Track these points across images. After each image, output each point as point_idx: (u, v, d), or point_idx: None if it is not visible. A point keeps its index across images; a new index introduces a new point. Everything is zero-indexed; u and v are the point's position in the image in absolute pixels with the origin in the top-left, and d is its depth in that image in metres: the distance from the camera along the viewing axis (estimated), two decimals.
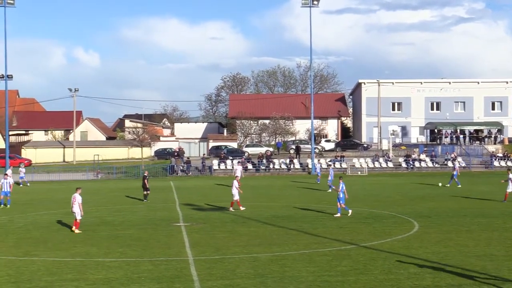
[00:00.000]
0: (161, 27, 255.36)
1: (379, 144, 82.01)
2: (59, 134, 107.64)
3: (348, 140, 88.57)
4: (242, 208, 33.35)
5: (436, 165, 66.79)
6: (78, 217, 26.56)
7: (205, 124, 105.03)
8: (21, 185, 54.56)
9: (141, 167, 67.80)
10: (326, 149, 79.30)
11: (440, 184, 48.14)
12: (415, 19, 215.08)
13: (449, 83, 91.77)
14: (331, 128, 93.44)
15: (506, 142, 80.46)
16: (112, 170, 68.39)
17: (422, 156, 68.92)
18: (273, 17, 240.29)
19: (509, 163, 67.50)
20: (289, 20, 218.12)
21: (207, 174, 64.92)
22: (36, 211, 34.74)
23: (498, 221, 27.97)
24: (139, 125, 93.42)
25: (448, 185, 47.39)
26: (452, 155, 68.94)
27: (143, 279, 17.67)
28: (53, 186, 54.50)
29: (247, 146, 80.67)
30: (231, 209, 33.27)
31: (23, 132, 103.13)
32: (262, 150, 74.43)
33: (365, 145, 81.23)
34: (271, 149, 76.51)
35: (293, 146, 75.59)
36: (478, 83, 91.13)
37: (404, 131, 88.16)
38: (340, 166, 67.05)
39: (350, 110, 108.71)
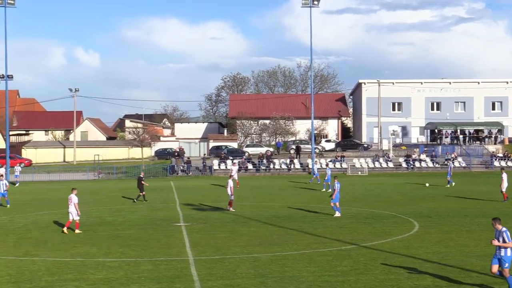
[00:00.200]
0: (161, 27, 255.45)
1: (379, 144, 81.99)
2: (59, 134, 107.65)
3: (349, 140, 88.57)
4: (231, 210, 33.22)
5: (437, 165, 66.79)
6: (76, 218, 26.42)
7: (205, 124, 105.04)
8: (17, 185, 54.83)
9: (141, 167, 67.83)
10: (327, 149, 79.30)
11: (427, 185, 48.25)
12: (415, 19, 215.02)
13: (449, 83, 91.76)
14: (331, 128, 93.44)
15: (506, 142, 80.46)
16: (113, 170, 68.39)
17: (422, 156, 68.93)
18: (273, 17, 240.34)
19: (509, 163, 67.56)
20: (289, 20, 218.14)
21: (208, 174, 64.92)
22: (36, 211, 34.75)
23: None
24: (140, 125, 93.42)
25: (453, 184, 47.33)
26: (453, 155, 69.00)
27: (143, 279, 17.68)
28: (53, 186, 54.51)
29: (247, 146, 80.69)
30: (231, 209, 33.25)
31: (24, 132, 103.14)
32: (262, 150, 74.46)
33: (366, 145, 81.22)
34: (271, 149, 76.53)
35: (293, 146, 75.60)
36: (478, 83, 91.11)
37: (404, 131, 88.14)
38: (341, 166, 67.09)
39: (350, 110, 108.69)
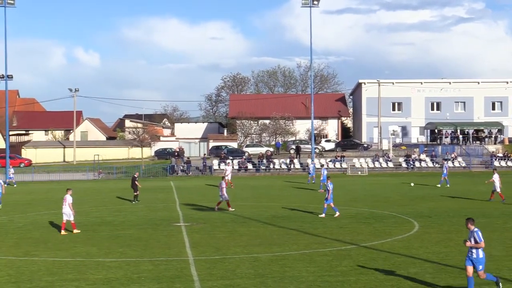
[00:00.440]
0: (161, 27, 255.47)
1: (379, 144, 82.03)
2: (59, 134, 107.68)
3: (348, 140, 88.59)
4: (216, 209, 33.18)
5: (436, 165, 66.76)
6: (71, 218, 26.25)
7: (205, 124, 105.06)
8: (15, 185, 54.98)
9: (141, 167, 67.85)
10: (326, 149, 79.34)
11: (412, 184, 48.24)
12: (415, 19, 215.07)
13: (449, 83, 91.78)
14: (331, 128, 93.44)
15: (506, 142, 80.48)
16: (112, 170, 68.39)
17: (422, 156, 68.94)
18: (273, 17, 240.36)
19: (509, 163, 67.61)
20: (289, 20, 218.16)
21: (208, 174, 64.92)
22: (36, 211, 34.73)
23: (499, 221, 27.97)
24: (139, 125, 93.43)
25: (448, 186, 47.39)
26: (453, 155, 69.02)
27: (143, 279, 17.67)
28: (53, 186, 54.49)
29: (247, 146, 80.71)
30: (230, 209, 33.25)
31: (23, 132, 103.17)
32: (262, 150, 74.48)
33: (365, 145, 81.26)
34: (271, 149, 76.55)
35: (293, 146, 75.63)
36: (478, 83, 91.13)
37: (404, 131, 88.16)
38: (340, 166, 67.12)
39: (350, 110, 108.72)
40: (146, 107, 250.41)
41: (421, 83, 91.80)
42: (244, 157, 70.86)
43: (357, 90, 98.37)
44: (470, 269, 15.36)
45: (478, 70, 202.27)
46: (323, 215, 30.28)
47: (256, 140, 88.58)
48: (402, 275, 17.60)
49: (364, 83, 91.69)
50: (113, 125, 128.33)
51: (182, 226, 27.85)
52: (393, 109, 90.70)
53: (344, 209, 33.33)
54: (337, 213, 30.37)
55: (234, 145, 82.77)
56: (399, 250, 21.18)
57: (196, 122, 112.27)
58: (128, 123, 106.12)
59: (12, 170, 57.92)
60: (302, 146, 76.14)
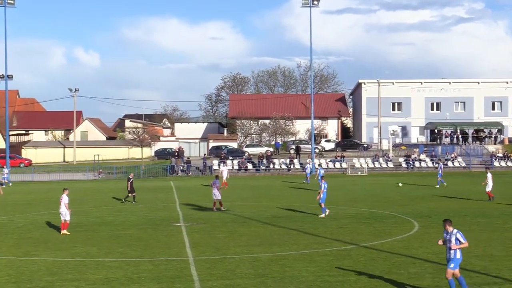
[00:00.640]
0: (161, 27, 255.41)
1: (379, 144, 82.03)
2: (59, 134, 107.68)
3: (348, 140, 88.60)
4: (215, 209, 33.20)
5: (436, 165, 66.69)
6: (67, 218, 26.14)
7: (205, 124, 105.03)
8: (3, 185, 55.09)
9: (141, 167, 67.89)
10: (326, 149, 79.34)
11: (400, 184, 48.21)
12: (415, 19, 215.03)
13: (449, 83, 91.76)
14: (331, 128, 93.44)
15: (506, 142, 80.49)
16: (112, 170, 68.39)
17: (422, 156, 68.94)
18: (273, 17, 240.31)
19: (509, 163, 67.62)
20: (289, 20, 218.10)
21: (208, 174, 64.93)
22: (36, 211, 34.73)
23: (499, 221, 27.97)
24: (139, 125, 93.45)
25: (445, 184, 47.35)
26: (452, 155, 69.03)
27: (143, 279, 17.68)
28: (53, 186, 54.47)
29: (247, 146, 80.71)
30: (222, 208, 33.26)
31: (23, 132, 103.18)
32: (262, 150, 74.49)
33: (365, 145, 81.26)
34: (271, 149, 76.58)
35: (293, 146, 75.65)
36: (478, 83, 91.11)
37: (404, 131, 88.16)
38: (340, 166, 67.14)
39: (350, 110, 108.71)
40: (146, 107, 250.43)
41: (421, 83, 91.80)
42: (244, 157, 70.86)
43: (357, 90, 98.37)
44: (450, 271, 15.14)
45: (478, 70, 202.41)
46: (322, 215, 30.29)
47: (256, 140, 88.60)
48: (402, 275, 17.61)
49: (364, 83, 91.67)
50: (113, 125, 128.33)
51: (182, 226, 27.85)
52: (393, 109, 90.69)
53: (344, 209, 33.37)
54: (323, 215, 30.35)
55: (234, 145, 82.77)
56: (399, 250, 21.18)
57: (196, 122, 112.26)
58: (128, 123, 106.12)
59: (6, 170, 57.88)
60: (302, 146, 76.15)
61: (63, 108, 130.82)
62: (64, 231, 26.01)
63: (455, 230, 15.11)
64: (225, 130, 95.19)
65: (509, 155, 69.94)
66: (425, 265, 18.79)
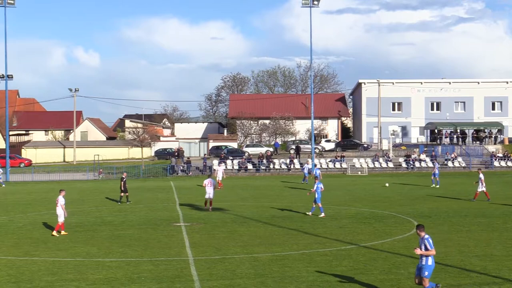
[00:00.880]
0: (161, 27, 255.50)
1: (379, 144, 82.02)
2: (59, 134, 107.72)
3: (348, 140, 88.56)
4: (210, 209, 33.20)
5: (436, 165, 66.67)
6: (61, 220, 26.01)
7: (205, 124, 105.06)
8: (3, 185, 55.13)
9: (141, 167, 67.89)
10: (326, 149, 79.33)
11: (387, 185, 48.20)
12: (415, 19, 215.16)
13: (449, 83, 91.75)
14: (331, 128, 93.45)
15: (506, 142, 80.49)
16: (112, 170, 68.39)
17: (422, 156, 68.94)
18: (273, 17, 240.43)
19: (509, 163, 67.62)
20: (289, 20, 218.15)
21: (208, 174, 64.86)
22: (36, 211, 34.73)
23: (499, 221, 27.97)
24: (139, 125, 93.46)
25: (433, 185, 47.29)
26: (452, 155, 69.03)
27: (143, 279, 17.68)
28: (53, 186, 54.47)
29: (247, 146, 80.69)
30: (209, 208, 33.32)
31: (23, 132, 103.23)
32: (262, 150, 74.48)
33: (365, 145, 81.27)
34: (271, 149, 76.59)
35: (293, 146, 75.65)
36: (478, 83, 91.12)
37: (404, 131, 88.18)
38: (340, 166, 67.15)
39: (350, 110, 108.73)
40: (146, 107, 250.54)
41: (421, 83, 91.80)
42: (244, 157, 70.86)
43: (357, 90, 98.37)
44: (419, 279, 15.01)
45: (478, 70, 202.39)
46: (322, 214, 30.33)
47: (256, 140, 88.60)
48: (402, 275, 17.61)
49: (364, 83, 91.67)
50: (113, 125, 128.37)
51: (182, 226, 27.85)
52: (393, 109, 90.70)
53: (344, 209, 33.37)
54: (310, 213, 30.61)
55: (234, 145, 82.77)
56: (399, 250, 21.18)
57: (196, 122, 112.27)
58: (128, 123, 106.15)
59: (0, 170, 57.79)
60: (302, 146, 76.16)
61: (63, 108, 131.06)
62: (54, 232, 25.77)
63: (426, 236, 14.94)
64: (225, 130, 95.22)
65: (509, 155, 69.94)
66: None
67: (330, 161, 68.76)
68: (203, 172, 65.49)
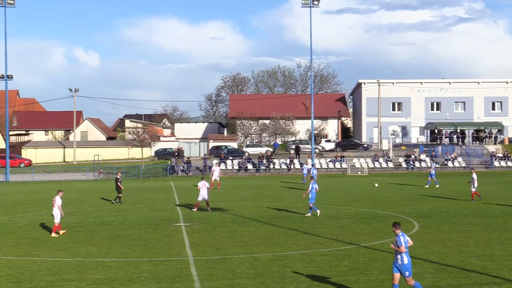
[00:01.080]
0: (161, 27, 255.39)
1: (379, 144, 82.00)
2: (59, 134, 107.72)
3: (348, 140, 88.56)
4: (209, 209, 33.10)
5: (436, 165, 66.71)
6: (57, 220, 25.87)
7: (205, 124, 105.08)
8: None
9: (141, 167, 67.88)
10: (326, 149, 79.33)
11: (376, 185, 48.15)
12: (414, 19, 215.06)
13: (449, 83, 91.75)
14: (331, 128, 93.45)
15: (506, 142, 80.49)
16: (113, 170, 68.38)
17: (422, 156, 68.94)
18: (273, 17, 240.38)
19: (509, 163, 67.62)
20: (289, 20, 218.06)
21: (208, 174, 64.85)
22: (36, 211, 34.73)
23: (499, 221, 27.97)
24: (139, 125, 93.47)
25: (427, 186, 47.23)
26: (453, 155, 69.02)
27: (143, 279, 17.68)
28: (53, 186, 54.45)
29: (247, 146, 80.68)
30: (194, 209, 33.27)
31: (23, 132, 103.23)
32: (262, 150, 74.48)
33: (365, 145, 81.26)
34: (271, 149, 76.59)
35: (293, 146, 75.65)
36: (478, 83, 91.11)
37: (404, 131, 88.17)
38: (340, 166, 67.14)
39: (350, 110, 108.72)
40: (146, 107, 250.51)
41: (421, 83, 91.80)
42: (244, 157, 70.86)
43: (357, 90, 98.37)
44: (396, 276, 14.96)
45: (478, 70, 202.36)
46: (309, 214, 30.45)
47: (256, 140, 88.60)
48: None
49: (364, 83, 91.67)
50: (113, 125, 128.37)
51: (182, 226, 27.85)
52: (393, 109, 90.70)
53: (344, 209, 33.37)
54: (309, 214, 30.59)
55: (234, 145, 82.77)
56: None
57: (196, 122, 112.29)
58: (128, 123, 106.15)
59: None
60: (302, 146, 76.16)
61: (63, 108, 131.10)
62: (53, 234, 25.69)
63: (400, 233, 15.04)
64: (225, 130, 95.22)
65: (509, 155, 69.93)
66: (425, 265, 18.79)
67: (330, 161, 68.76)
68: (203, 172, 65.49)
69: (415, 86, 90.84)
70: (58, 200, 26.12)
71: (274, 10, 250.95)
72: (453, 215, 30.37)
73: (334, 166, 67.50)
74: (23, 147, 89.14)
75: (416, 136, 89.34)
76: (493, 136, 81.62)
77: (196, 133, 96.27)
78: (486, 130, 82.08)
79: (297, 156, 70.86)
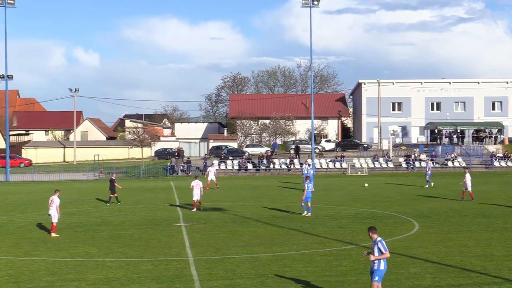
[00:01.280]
0: (161, 27, 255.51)
1: (379, 144, 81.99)
2: (59, 134, 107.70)
3: (348, 140, 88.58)
4: (202, 208, 33.19)
5: (436, 165, 66.75)
6: (54, 220, 25.75)
7: (205, 124, 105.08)
8: None
9: (141, 167, 67.88)
10: (326, 149, 79.32)
11: (366, 185, 48.10)
12: (414, 19, 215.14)
13: (449, 83, 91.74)
14: (331, 128, 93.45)
15: (506, 142, 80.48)
16: (113, 170, 68.36)
17: (422, 156, 68.92)
18: (273, 17, 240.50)
19: (509, 163, 67.61)
20: (289, 20, 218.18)
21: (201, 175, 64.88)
22: (36, 211, 34.73)
23: (499, 221, 27.97)
24: (140, 125, 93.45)
25: (427, 186, 47.15)
26: (452, 155, 69.02)
27: (143, 279, 17.68)
28: (54, 186, 54.36)
29: (247, 146, 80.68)
30: (194, 209, 33.33)
31: (24, 132, 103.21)
32: (262, 150, 74.47)
33: (365, 145, 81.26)
34: (271, 149, 76.58)
35: (293, 146, 75.66)
36: (478, 83, 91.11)
37: (404, 131, 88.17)
38: (341, 166, 67.13)
39: (350, 110, 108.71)
40: (146, 107, 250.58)
41: (421, 83, 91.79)
42: (244, 157, 70.86)
43: (357, 90, 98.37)
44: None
45: (478, 70, 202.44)
46: (305, 212, 30.66)
47: (256, 140, 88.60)
48: (402, 275, 17.61)
49: (364, 83, 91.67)
50: (113, 125, 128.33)
51: (182, 226, 27.85)
52: (393, 109, 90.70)
53: (344, 209, 33.36)
54: (305, 213, 30.71)
55: (234, 145, 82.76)
56: (399, 250, 21.16)
57: (196, 122, 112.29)
58: (128, 123, 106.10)
59: None
60: (302, 146, 76.15)
61: (63, 108, 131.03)
62: (53, 234, 25.60)
63: (378, 239, 14.23)
64: (225, 130, 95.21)
65: (509, 155, 69.92)
66: (425, 265, 18.79)
67: (330, 161, 68.75)
68: (203, 172, 65.47)
69: (415, 86, 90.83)
70: (56, 200, 26.00)
71: (274, 10, 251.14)
72: (453, 215, 30.37)
73: (334, 166, 67.49)
74: (23, 147, 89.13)
75: (416, 136, 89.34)
76: (493, 136, 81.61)
77: (196, 133, 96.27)
78: (486, 130, 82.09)
79: (297, 156, 70.85)
